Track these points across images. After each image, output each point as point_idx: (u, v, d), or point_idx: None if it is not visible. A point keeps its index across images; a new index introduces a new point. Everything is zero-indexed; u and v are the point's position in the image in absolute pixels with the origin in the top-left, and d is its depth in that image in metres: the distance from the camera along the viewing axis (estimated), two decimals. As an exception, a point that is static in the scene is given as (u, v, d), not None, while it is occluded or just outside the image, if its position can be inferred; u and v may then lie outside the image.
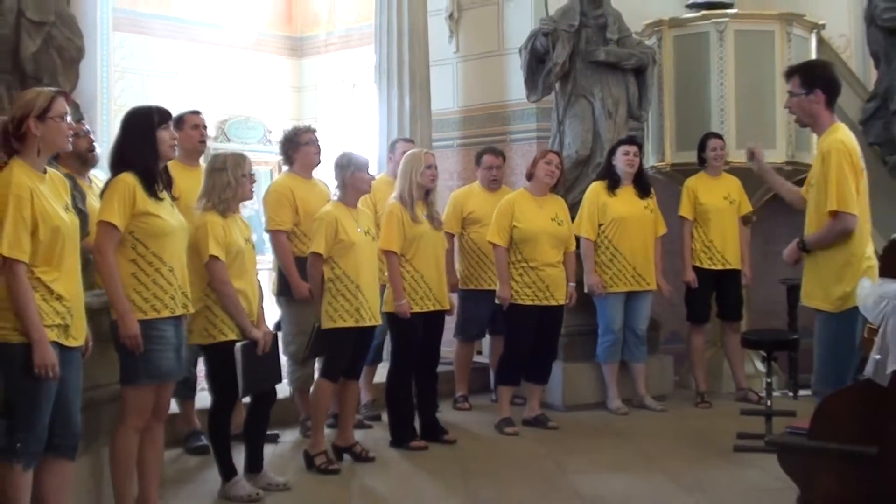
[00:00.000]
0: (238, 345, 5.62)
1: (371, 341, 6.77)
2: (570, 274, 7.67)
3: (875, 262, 5.14)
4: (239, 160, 5.81)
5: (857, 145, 5.49)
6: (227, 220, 5.71)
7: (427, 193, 7.00)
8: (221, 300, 5.62)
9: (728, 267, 8.45)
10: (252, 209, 5.97)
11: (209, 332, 5.65)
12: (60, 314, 4.37)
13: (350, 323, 6.36)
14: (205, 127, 6.97)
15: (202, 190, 5.81)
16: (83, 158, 6.14)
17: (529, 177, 7.61)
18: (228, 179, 5.71)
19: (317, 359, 6.76)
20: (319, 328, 6.41)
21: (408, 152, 7.20)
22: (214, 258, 5.58)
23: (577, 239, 7.98)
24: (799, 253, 5.55)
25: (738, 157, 8.56)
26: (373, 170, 7.19)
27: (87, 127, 6.35)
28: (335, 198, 6.58)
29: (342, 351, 6.42)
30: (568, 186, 8.55)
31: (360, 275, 6.37)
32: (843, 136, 5.39)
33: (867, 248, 5.39)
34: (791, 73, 5.63)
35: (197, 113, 6.94)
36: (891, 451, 3.90)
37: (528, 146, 9.71)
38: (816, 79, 5.46)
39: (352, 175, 6.48)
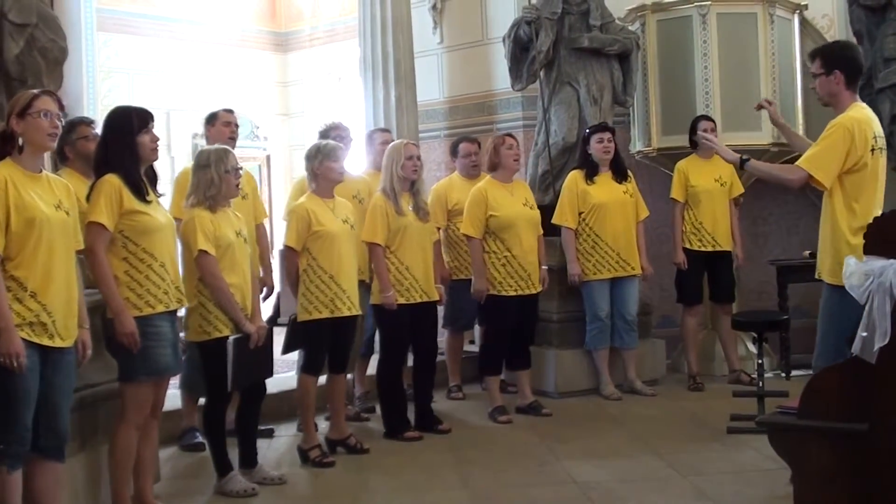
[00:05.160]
0: (231, 338, 5.61)
1: (353, 332, 6.71)
2: (542, 258, 7.68)
3: None
4: (222, 155, 5.77)
5: (876, 126, 5.53)
6: (216, 214, 5.69)
7: (412, 184, 6.99)
8: (213, 294, 5.61)
9: (718, 249, 8.46)
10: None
11: (203, 328, 5.64)
12: (34, 311, 4.33)
13: (325, 314, 6.34)
14: (237, 125, 7.24)
15: (189, 187, 5.80)
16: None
17: (494, 167, 7.59)
18: (212, 176, 5.68)
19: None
20: (295, 321, 6.42)
21: (390, 144, 7.19)
22: (203, 253, 5.56)
23: (559, 228, 8.06)
24: (734, 157, 5.86)
25: (727, 139, 8.58)
26: (356, 162, 7.18)
27: (97, 131, 6.36)
28: (309, 189, 6.58)
29: (319, 343, 6.41)
30: (556, 173, 8.59)
31: (336, 264, 6.35)
32: (856, 114, 5.45)
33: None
34: (814, 54, 5.74)
35: (230, 111, 7.24)
36: (880, 427, 3.92)
37: (515, 135, 9.72)
38: (837, 59, 5.55)
39: (321, 165, 6.46)
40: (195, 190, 5.73)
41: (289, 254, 6.42)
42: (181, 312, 5.53)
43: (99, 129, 6.30)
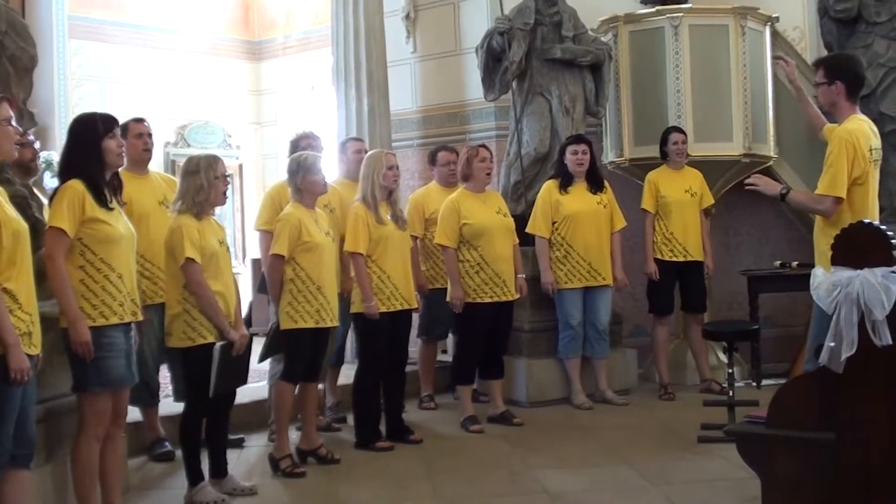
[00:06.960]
0: (217, 345, 5.62)
1: (328, 343, 6.73)
2: (518, 266, 7.69)
3: None
4: (212, 162, 5.79)
5: (873, 136, 5.68)
6: (201, 222, 5.70)
7: (390, 193, 6.99)
8: (198, 302, 5.60)
9: (689, 259, 8.50)
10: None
11: (188, 335, 5.62)
12: (25, 322, 4.34)
13: (310, 324, 6.35)
14: (149, 135, 6.77)
15: (177, 193, 5.80)
16: (26, 168, 6.14)
17: (466, 177, 7.61)
18: (201, 182, 5.69)
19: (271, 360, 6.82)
20: (277, 328, 6.41)
21: (368, 153, 7.19)
22: (190, 260, 5.55)
23: (532, 237, 8.09)
24: (775, 191, 5.78)
25: (698, 150, 8.64)
26: (329, 171, 7.16)
27: (32, 137, 6.32)
28: (294, 199, 6.56)
29: (301, 352, 6.41)
30: (527, 184, 8.61)
31: (321, 276, 6.37)
32: (853, 126, 5.59)
33: None
34: (818, 64, 5.93)
35: (141, 121, 6.77)
36: (847, 437, 3.95)
37: (488, 145, 9.74)
38: (839, 70, 5.72)
39: (303, 179, 6.46)
40: (183, 196, 5.73)
41: (276, 262, 6.37)
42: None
43: (33, 137, 6.29)
